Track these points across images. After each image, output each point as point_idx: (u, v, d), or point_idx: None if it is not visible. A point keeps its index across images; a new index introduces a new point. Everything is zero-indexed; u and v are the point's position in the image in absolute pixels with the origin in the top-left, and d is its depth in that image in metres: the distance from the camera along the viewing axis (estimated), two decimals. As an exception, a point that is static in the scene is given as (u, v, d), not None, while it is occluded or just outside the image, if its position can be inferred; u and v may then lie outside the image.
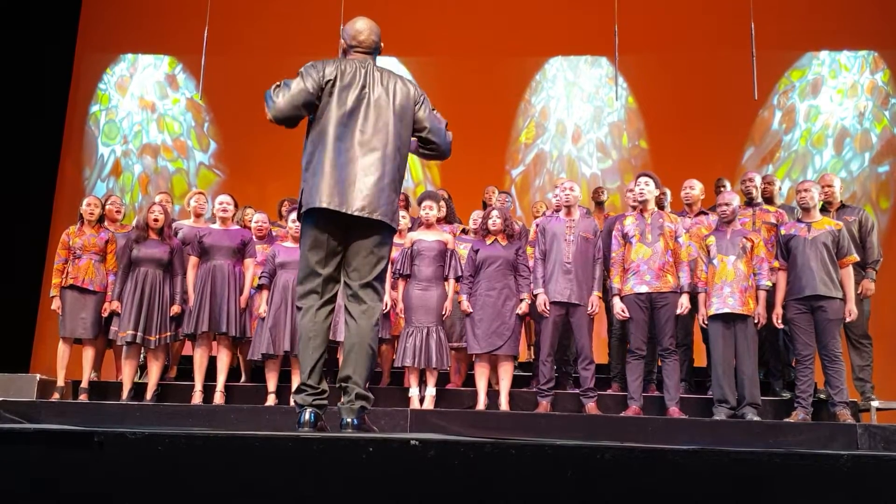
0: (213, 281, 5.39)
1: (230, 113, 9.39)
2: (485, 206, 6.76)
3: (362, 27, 3.17)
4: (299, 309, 3.04)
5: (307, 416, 2.91)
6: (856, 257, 5.02)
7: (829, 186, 5.52)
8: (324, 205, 2.90)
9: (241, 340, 5.56)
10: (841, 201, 5.59)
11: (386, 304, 5.31)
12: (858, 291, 5.30)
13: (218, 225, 5.62)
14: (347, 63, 3.07)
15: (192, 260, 5.51)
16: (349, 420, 2.90)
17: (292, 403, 2.98)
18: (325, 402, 3.00)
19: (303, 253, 3.04)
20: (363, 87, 3.02)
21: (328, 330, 3.06)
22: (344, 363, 3.01)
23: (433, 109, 3.15)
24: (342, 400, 2.97)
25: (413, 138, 3.15)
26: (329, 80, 2.99)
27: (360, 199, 2.91)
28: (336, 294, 3.08)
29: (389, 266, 5.08)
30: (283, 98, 2.95)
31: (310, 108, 3.01)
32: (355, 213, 2.91)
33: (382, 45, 3.22)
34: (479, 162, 8.88)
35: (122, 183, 9.42)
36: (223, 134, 9.60)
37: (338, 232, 2.98)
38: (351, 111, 2.98)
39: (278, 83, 3.01)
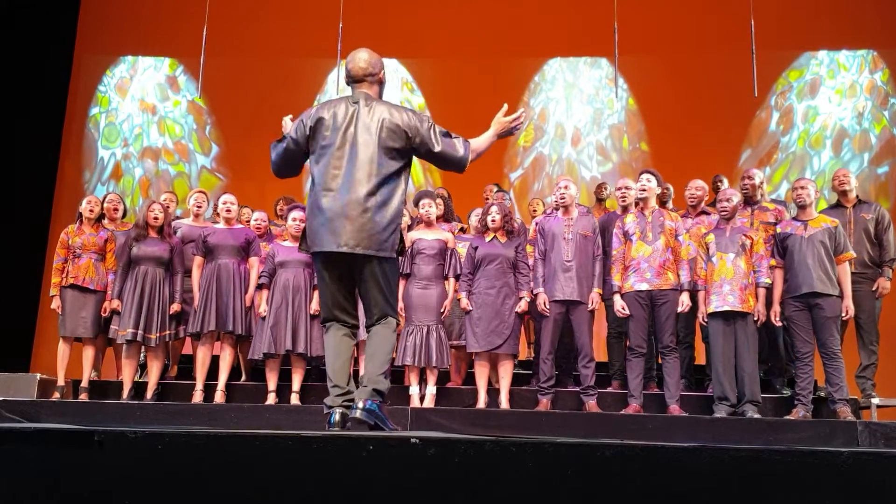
0: (219, 280, 5.39)
1: (229, 113, 9.39)
2: (486, 205, 6.74)
3: (352, 56, 3.24)
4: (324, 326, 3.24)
5: (337, 417, 3.01)
6: (852, 254, 5.01)
7: (845, 177, 5.48)
8: (321, 248, 3.05)
9: (247, 339, 5.56)
10: (857, 196, 5.54)
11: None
12: (874, 289, 5.28)
13: (222, 224, 5.64)
14: (339, 103, 3.15)
15: (197, 259, 5.52)
16: (360, 404, 2.96)
17: (324, 407, 3.09)
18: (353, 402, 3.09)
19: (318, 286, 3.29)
20: (348, 125, 3.07)
21: (350, 346, 3.21)
22: (363, 366, 3.16)
23: (434, 127, 3.13)
24: (357, 391, 3.07)
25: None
26: (313, 123, 3.11)
27: (348, 236, 3.00)
28: (355, 317, 3.23)
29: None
30: (274, 157, 3.22)
31: (296, 164, 3.25)
32: (344, 250, 3.01)
33: (380, 73, 3.22)
34: (477, 164, 8.85)
35: (123, 186, 9.39)
36: (223, 134, 9.59)
37: (337, 267, 3.09)
38: (335, 151, 3.06)
39: (277, 140, 3.22)
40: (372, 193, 3.02)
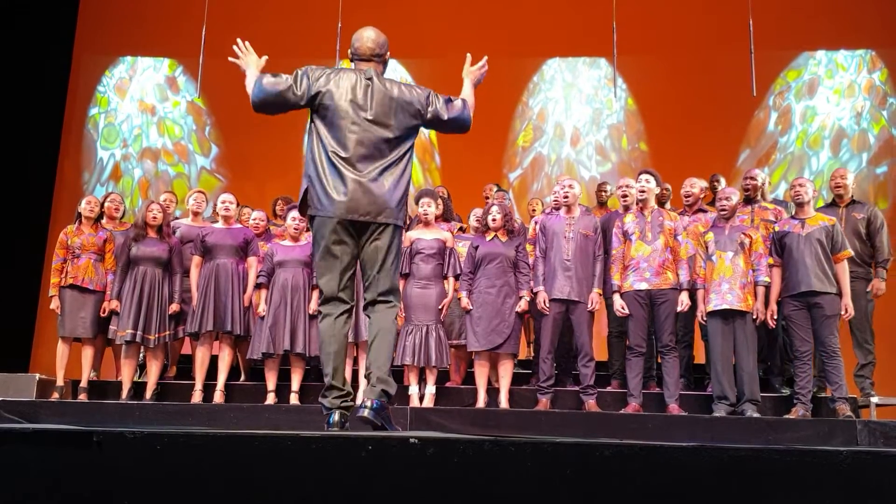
0: (217, 280, 5.39)
1: (229, 114, 9.38)
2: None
3: (360, 35, 3.24)
4: (320, 313, 3.17)
5: (336, 418, 2.99)
6: (850, 252, 5.01)
7: (843, 178, 5.48)
8: (330, 214, 3.02)
9: (245, 339, 5.56)
10: (852, 197, 5.52)
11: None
12: (868, 289, 5.27)
13: (220, 224, 5.64)
14: (350, 75, 3.13)
15: (195, 259, 5.52)
16: (368, 403, 2.94)
17: (322, 407, 3.07)
18: (352, 403, 3.08)
19: (317, 259, 3.16)
20: (364, 99, 3.08)
21: (346, 335, 3.17)
22: (367, 356, 3.12)
23: (438, 97, 3.21)
24: (364, 388, 3.07)
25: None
26: (323, 89, 3.08)
27: (366, 203, 3.01)
28: (353, 298, 3.19)
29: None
30: (262, 93, 3.12)
31: (283, 110, 3.17)
32: (362, 219, 3.01)
33: (386, 54, 3.27)
34: (476, 165, 8.87)
35: (122, 187, 9.38)
36: (222, 134, 9.58)
37: (349, 238, 3.07)
38: (351, 126, 3.05)
39: (272, 74, 3.16)
40: (388, 169, 3.07)
